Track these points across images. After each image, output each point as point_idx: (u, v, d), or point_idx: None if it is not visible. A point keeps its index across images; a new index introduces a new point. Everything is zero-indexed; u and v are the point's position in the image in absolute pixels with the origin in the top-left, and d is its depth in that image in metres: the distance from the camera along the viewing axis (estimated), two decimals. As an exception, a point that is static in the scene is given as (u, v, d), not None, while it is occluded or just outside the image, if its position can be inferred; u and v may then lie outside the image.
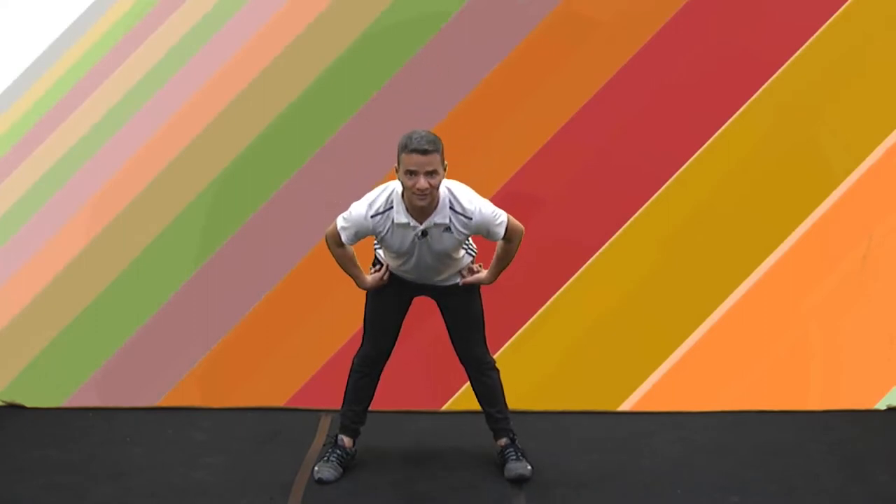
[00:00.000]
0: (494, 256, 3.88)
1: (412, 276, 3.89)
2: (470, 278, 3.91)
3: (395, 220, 3.72)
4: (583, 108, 5.55)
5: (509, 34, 5.68)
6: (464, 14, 5.77)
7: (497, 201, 3.82)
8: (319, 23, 6.08)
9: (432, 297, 3.96)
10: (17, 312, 6.25)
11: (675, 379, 5.18)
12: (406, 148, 3.62)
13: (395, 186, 3.74)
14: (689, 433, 4.30)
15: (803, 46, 5.38)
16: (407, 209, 3.71)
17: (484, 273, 3.93)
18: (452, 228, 3.73)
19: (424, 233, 3.73)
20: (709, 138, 5.40)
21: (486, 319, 3.98)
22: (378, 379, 4.01)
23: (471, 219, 3.72)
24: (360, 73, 5.85)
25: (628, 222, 5.36)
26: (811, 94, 5.36)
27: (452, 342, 3.97)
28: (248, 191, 5.96)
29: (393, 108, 5.78)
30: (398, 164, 3.66)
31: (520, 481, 3.87)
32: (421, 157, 3.60)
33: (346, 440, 4.01)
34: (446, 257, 3.81)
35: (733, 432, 4.32)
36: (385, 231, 3.75)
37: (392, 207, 3.72)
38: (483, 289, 3.98)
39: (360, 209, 3.75)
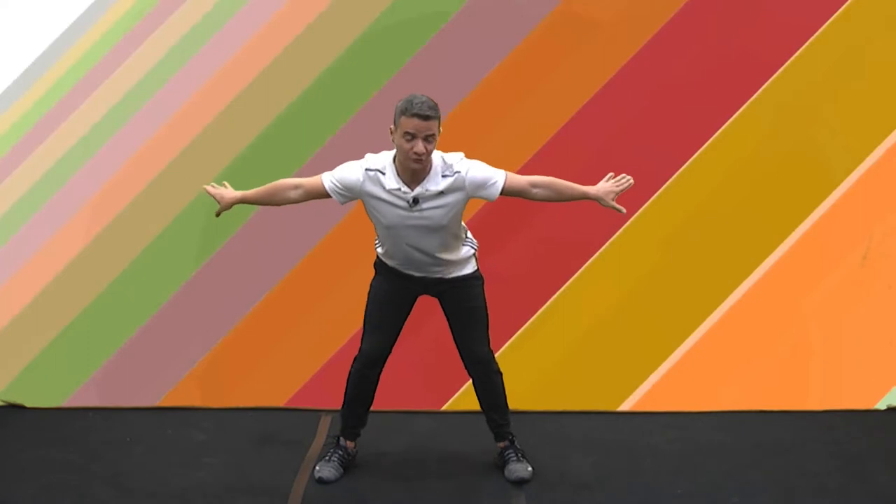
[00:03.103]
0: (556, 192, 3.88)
1: (401, 261, 3.84)
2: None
3: (387, 186, 3.72)
4: (583, 108, 5.54)
5: (509, 34, 5.67)
6: (464, 14, 5.76)
7: (497, 200, 3.82)
8: (319, 23, 6.07)
9: (433, 294, 3.94)
10: (17, 312, 6.24)
11: (675, 379, 5.18)
12: (407, 111, 3.63)
13: (390, 154, 3.75)
14: (689, 433, 4.30)
15: (803, 46, 5.38)
16: (398, 174, 3.71)
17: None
18: (445, 191, 3.72)
19: (416, 200, 3.71)
20: (709, 138, 5.39)
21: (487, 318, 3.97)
22: (378, 380, 4.01)
23: (460, 172, 3.71)
24: (360, 73, 5.84)
25: (628, 222, 5.35)
26: (811, 94, 5.36)
27: (455, 341, 3.96)
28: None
29: (393, 108, 5.77)
30: (395, 126, 3.67)
31: (520, 483, 3.87)
32: (421, 122, 3.61)
33: (347, 442, 4.01)
34: (442, 231, 3.77)
35: (733, 432, 4.32)
36: (374, 196, 3.74)
37: (385, 173, 3.72)
38: (483, 288, 3.97)
39: (354, 162, 3.79)
